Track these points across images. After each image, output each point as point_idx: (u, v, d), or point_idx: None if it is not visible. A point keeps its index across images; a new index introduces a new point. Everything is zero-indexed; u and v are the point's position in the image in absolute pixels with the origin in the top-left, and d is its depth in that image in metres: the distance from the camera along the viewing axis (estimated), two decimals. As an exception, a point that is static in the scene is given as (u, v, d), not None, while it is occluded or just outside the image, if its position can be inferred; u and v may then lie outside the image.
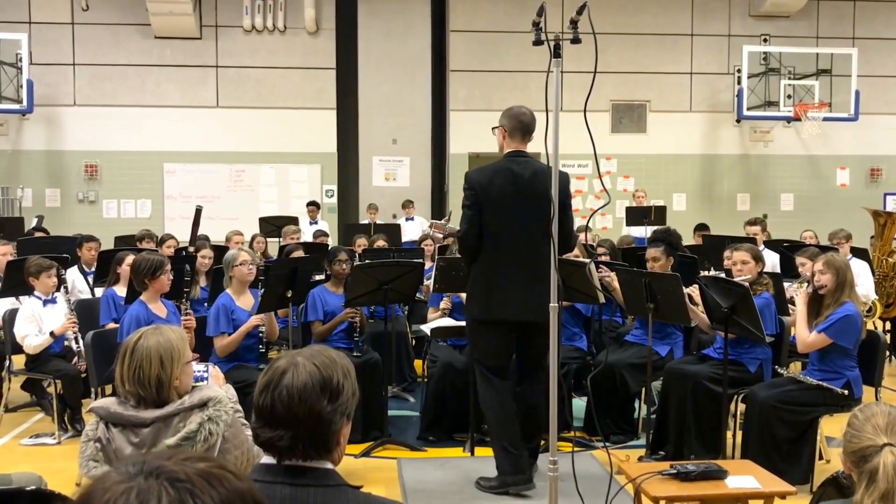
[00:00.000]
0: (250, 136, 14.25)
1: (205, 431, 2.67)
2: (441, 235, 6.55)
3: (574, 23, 3.75)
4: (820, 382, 4.97)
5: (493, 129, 4.92)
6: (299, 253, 7.64)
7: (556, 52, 3.74)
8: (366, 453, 5.69)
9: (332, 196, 14.61)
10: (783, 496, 3.70)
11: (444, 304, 6.53)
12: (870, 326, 7.74)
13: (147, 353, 2.69)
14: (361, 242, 9.24)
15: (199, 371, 3.13)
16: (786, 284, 6.65)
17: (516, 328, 4.78)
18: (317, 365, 1.86)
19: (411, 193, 14.26)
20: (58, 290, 6.36)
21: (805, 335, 5.05)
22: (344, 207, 14.85)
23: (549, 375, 4.76)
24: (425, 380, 6.69)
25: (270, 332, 5.83)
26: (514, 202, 4.65)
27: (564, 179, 4.62)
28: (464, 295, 6.09)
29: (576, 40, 3.77)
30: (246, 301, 5.91)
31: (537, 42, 3.80)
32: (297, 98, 14.35)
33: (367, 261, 7.10)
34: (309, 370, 1.85)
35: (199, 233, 8.46)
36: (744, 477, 3.74)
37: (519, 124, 4.76)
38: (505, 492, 4.75)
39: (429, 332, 6.29)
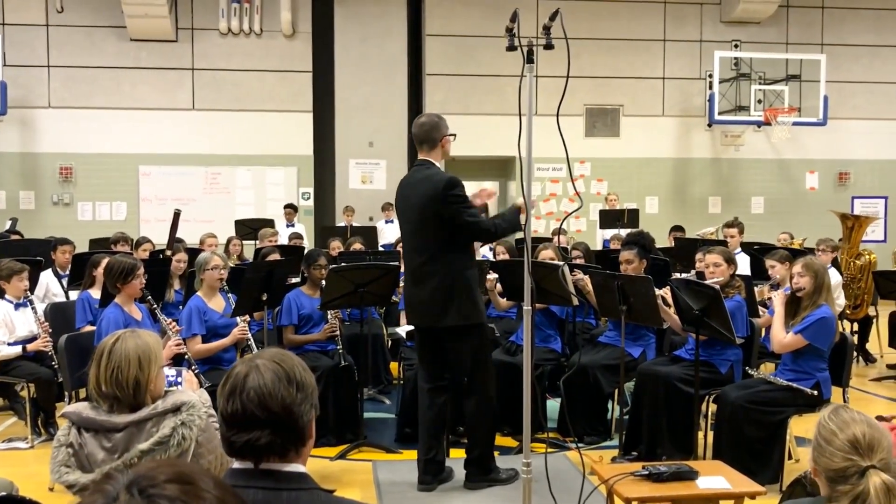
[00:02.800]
0: (226, 139, 14.21)
1: (178, 436, 2.66)
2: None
3: (547, 29, 3.81)
4: (790, 383, 5.06)
5: None
6: (275, 257, 7.63)
7: (530, 58, 3.80)
8: (341, 455, 5.71)
9: (308, 199, 14.60)
10: (753, 496, 3.76)
11: None
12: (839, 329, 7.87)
13: (126, 355, 2.70)
14: (336, 245, 9.26)
15: (171, 376, 3.14)
16: (756, 287, 6.74)
17: (425, 336, 5.06)
18: (276, 362, 1.92)
19: (388, 196, 14.26)
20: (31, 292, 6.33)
21: (781, 336, 5.13)
22: (320, 210, 14.84)
23: (478, 394, 4.93)
24: (401, 382, 6.72)
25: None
26: (401, 212, 4.99)
27: (438, 188, 4.74)
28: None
29: (548, 46, 3.83)
30: (217, 303, 5.92)
31: (511, 48, 3.86)
32: (273, 101, 14.32)
33: (342, 264, 7.12)
34: (271, 368, 1.90)
35: (175, 236, 8.44)
36: (714, 478, 3.81)
37: (414, 135, 5.03)
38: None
39: (404, 335, 6.32)
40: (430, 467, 5.03)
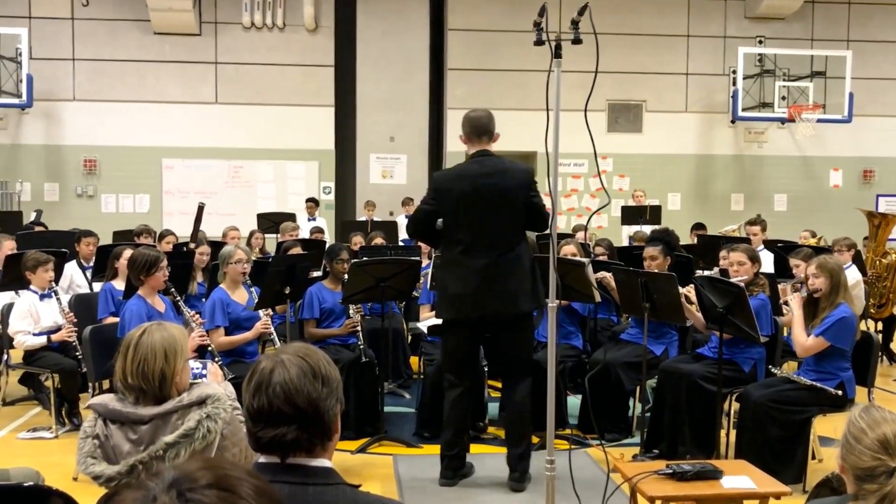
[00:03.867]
0: (249, 133, 14.28)
1: (203, 429, 2.67)
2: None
3: (575, 23, 3.79)
4: (813, 383, 5.01)
5: (459, 136, 5.07)
6: (297, 250, 7.65)
7: (558, 53, 3.78)
8: (362, 449, 5.72)
9: (329, 193, 14.64)
10: (778, 496, 3.72)
11: None
12: (862, 327, 7.80)
13: (152, 348, 2.71)
14: (357, 240, 9.26)
15: (197, 368, 3.15)
16: (780, 285, 6.69)
17: (482, 328, 4.93)
18: (301, 356, 1.92)
19: (408, 191, 14.29)
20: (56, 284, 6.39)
21: (803, 340, 5.07)
22: (341, 204, 14.88)
23: (531, 377, 4.90)
24: (421, 376, 6.72)
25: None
26: (473, 202, 4.80)
27: (529, 177, 4.82)
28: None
29: (577, 41, 3.81)
30: (241, 295, 5.95)
31: (538, 42, 3.84)
32: (295, 95, 14.37)
33: (364, 258, 7.14)
34: (296, 363, 1.89)
35: (199, 228, 8.49)
36: (739, 477, 3.76)
37: (473, 128, 4.92)
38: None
39: (425, 330, 6.32)
40: (452, 463, 5.02)
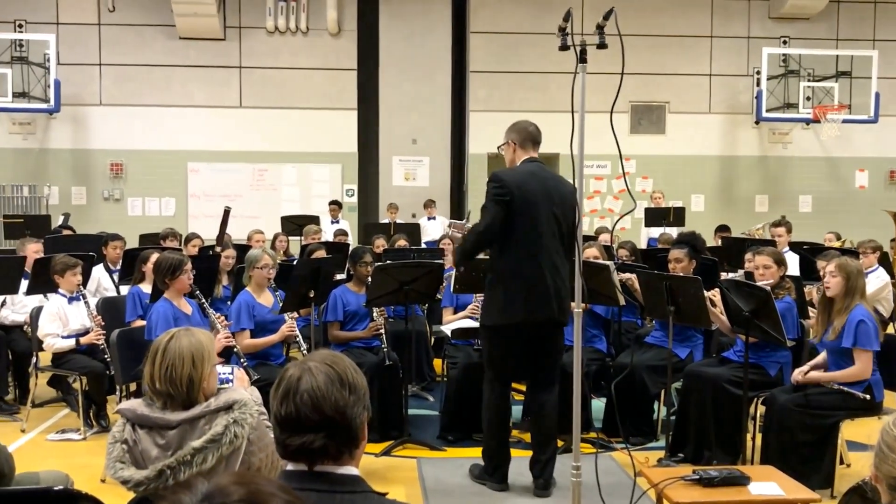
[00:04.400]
0: (273, 136, 14.37)
1: (230, 434, 2.69)
2: (460, 235, 6.58)
3: (600, 28, 3.78)
4: (841, 387, 4.96)
5: (498, 147, 5.04)
6: (321, 253, 7.69)
7: (583, 58, 3.77)
8: (386, 452, 5.73)
9: (352, 195, 14.70)
10: (807, 503, 3.68)
11: (472, 309, 6.52)
12: (890, 330, 7.71)
13: (179, 353, 2.73)
14: (380, 243, 9.29)
15: (224, 374, 3.18)
16: (806, 288, 6.64)
17: (531, 332, 4.85)
18: (328, 364, 1.92)
19: (431, 193, 14.32)
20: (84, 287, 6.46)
21: (857, 371, 4.95)
22: (364, 207, 14.94)
23: (558, 383, 4.85)
24: (444, 379, 6.73)
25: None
26: (543, 205, 4.76)
27: (573, 191, 4.85)
28: (479, 296, 6.15)
29: (602, 45, 3.81)
30: (266, 299, 5.99)
31: (564, 47, 3.84)
32: (318, 98, 14.45)
33: (387, 261, 7.16)
34: (324, 371, 1.90)
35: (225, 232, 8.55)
36: (767, 483, 3.72)
37: (528, 135, 4.92)
38: (483, 483, 5.05)
39: (449, 333, 6.33)
40: (504, 467, 5.02)
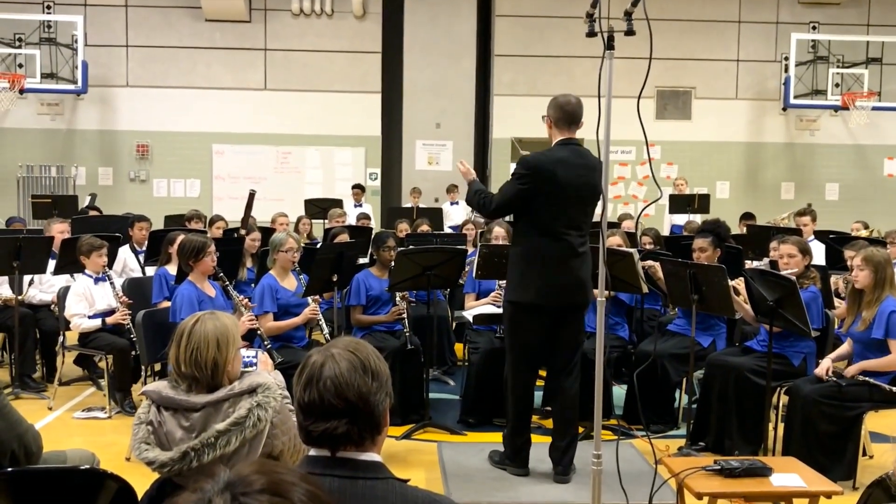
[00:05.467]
0: (297, 119, 14.42)
1: (253, 417, 2.71)
2: (483, 220, 6.58)
3: (628, 14, 3.74)
4: (867, 378, 4.93)
5: (542, 117, 4.94)
6: (344, 236, 7.72)
7: (610, 45, 3.73)
8: (407, 436, 5.77)
9: (375, 179, 14.72)
10: (829, 496, 3.64)
11: (495, 296, 6.52)
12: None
13: (205, 336, 2.76)
14: (403, 228, 9.30)
15: (248, 357, 3.20)
16: (832, 278, 6.58)
17: (554, 316, 4.82)
18: (351, 351, 1.93)
19: (454, 178, 14.28)
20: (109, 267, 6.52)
21: (887, 361, 4.92)
22: (387, 190, 14.96)
23: (581, 369, 4.84)
24: (466, 363, 6.75)
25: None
26: (569, 193, 4.69)
27: (601, 170, 4.77)
28: (501, 282, 6.15)
29: (630, 32, 3.77)
30: (290, 282, 6.03)
31: (591, 34, 3.80)
32: (342, 81, 14.46)
33: (410, 246, 7.16)
34: (347, 357, 1.91)
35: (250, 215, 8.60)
36: (789, 475, 3.70)
37: (564, 114, 4.76)
38: (503, 468, 5.05)
39: (471, 319, 6.34)
40: (526, 452, 5.03)
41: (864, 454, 5.19)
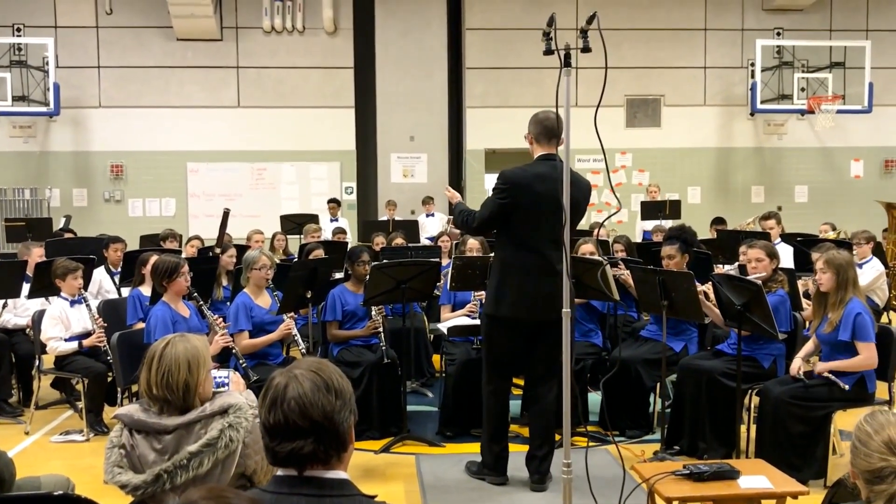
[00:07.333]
0: (271, 135, 14.44)
1: (225, 438, 2.73)
2: (459, 231, 6.62)
3: (584, 32, 3.83)
4: (828, 376, 5.02)
5: (524, 136, 5.02)
6: (319, 252, 7.75)
7: (567, 62, 3.82)
8: (385, 449, 5.80)
9: (351, 193, 14.77)
10: (795, 496, 3.72)
11: (470, 308, 6.59)
12: (884, 320, 7.77)
13: (175, 359, 2.78)
14: (379, 241, 9.35)
15: (219, 377, 3.22)
16: (800, 280, 6.69)
17: (530, 328, 4.88)
18: (314, 371, 1.97)
19: (429, 189, 14.38)
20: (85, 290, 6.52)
21: (857, 361, 5.00)
22: (363, 204, 15.00)
23: (557, 379, 4.90)
24: (443, 375, 6.80)
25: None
26: (549, 205, 4.70)
27: (590, 191, 4.90)
28: (480, 294, 6.21)
29: (586, 49, 3.84)
30: (264, 300, 6.06)
31: (548, 52, 3.88)
32: (316, 97, 14.51)
33: (385, 259, 7.21)
34: (310, 377, 1.94)
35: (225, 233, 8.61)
36: (756, 477, 3.78)
37: (544, 129, 4.84)
38: (482, 478, 5.08)
39: (446, 332, 6.39)
40: (503, 461, 5.07)
41: (835, 453, 5.29)
